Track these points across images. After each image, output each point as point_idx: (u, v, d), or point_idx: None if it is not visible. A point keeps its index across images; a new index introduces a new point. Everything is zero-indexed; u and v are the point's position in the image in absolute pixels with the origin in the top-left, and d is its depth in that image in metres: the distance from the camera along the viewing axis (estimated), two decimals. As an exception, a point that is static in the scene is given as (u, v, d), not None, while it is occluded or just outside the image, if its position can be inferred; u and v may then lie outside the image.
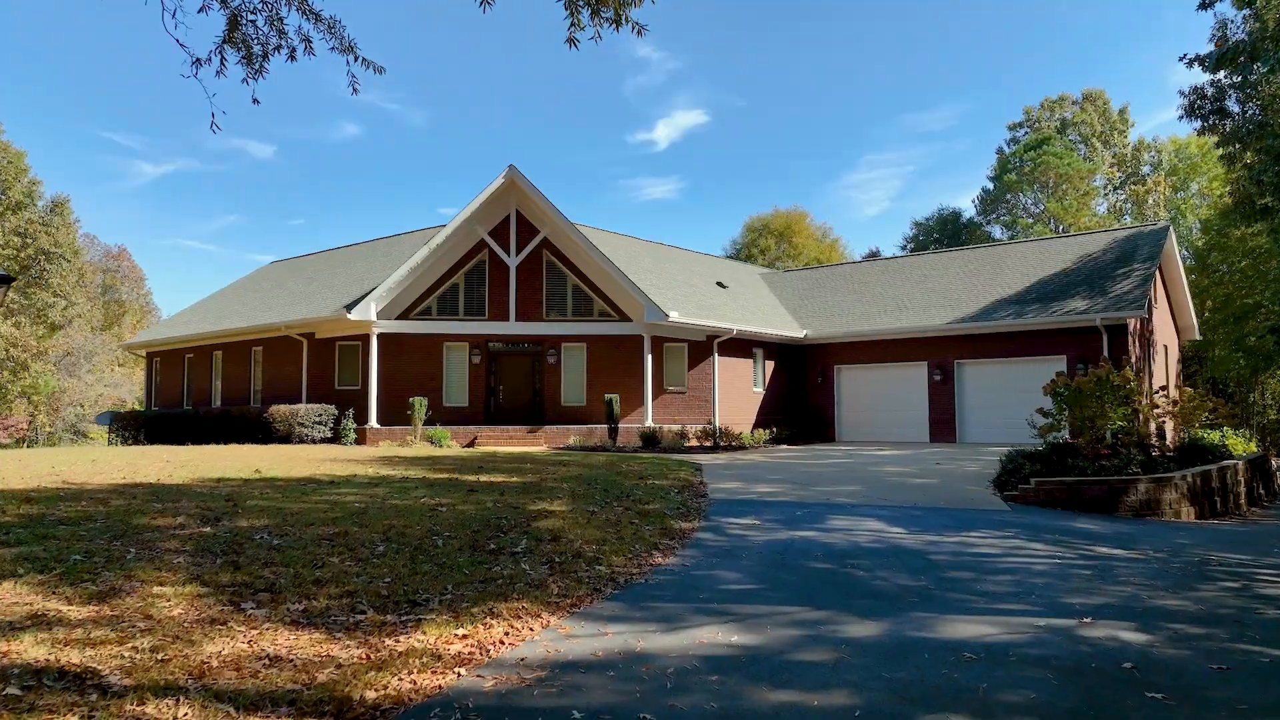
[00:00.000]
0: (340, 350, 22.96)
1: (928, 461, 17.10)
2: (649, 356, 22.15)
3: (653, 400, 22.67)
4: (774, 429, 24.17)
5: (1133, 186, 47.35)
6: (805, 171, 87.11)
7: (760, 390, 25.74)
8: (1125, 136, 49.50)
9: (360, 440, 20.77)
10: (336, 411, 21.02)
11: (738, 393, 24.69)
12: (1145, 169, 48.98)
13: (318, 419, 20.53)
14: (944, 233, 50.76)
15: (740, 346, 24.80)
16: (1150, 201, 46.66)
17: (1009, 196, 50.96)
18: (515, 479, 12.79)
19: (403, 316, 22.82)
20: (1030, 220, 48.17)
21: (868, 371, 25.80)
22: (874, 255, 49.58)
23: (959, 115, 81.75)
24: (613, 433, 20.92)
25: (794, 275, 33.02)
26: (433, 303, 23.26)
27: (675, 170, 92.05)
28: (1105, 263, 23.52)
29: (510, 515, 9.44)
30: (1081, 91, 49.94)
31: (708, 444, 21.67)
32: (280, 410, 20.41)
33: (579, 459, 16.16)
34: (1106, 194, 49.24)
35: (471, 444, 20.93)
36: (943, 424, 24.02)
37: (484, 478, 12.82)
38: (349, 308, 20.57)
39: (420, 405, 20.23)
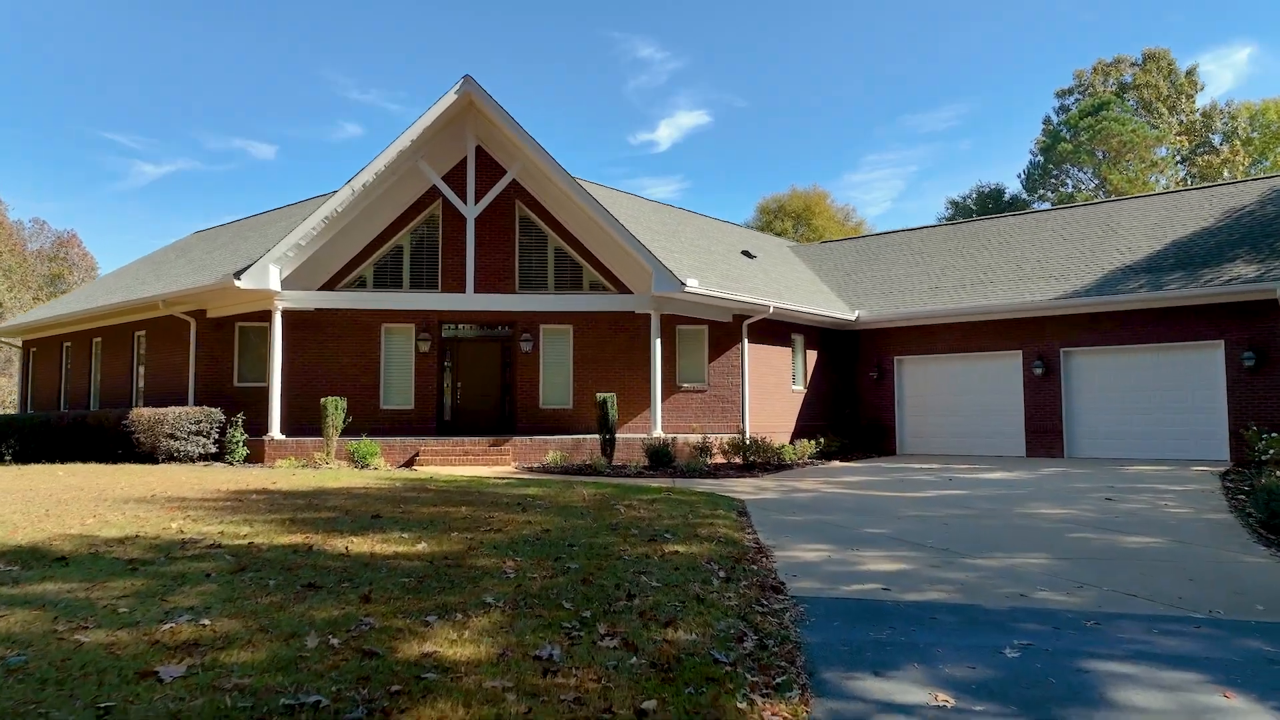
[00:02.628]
0: (241, 334, 17.15)
1: (1079, 493, 11.29)
2: (657, 342, 16.34)
3: (662, 401, 16.88)
4: (819, 439, 18.36)
5: (1205, 156, 41.44)
6: (808, 169, 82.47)
7: (800, 388, 19.91)
8: (1193, 102, 43.58)
9: (256, 457, 14.96)
10: (223, 418, 15.18)
11: (772, 391, 18.87)
12: (1216, 138, 43.09)
13: (195, 428, 14.69)
14: (985, 212, 44.89)
15: (775, 332, 18.98)
16: (1225, 175, 40.81)
17: (1056, 172, 45.13)
18: (423, 547, 6.98)
19: (327, 287, 17.01)
20: (1088, 194, 42.35)
21: (939, 364, 19.97)
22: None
23: (960, 115, 77.76)
24: (607, 446, 15.12)
25: (833, 247, 27.15)
26: (368, 270, 17.45)
27: (678, 170, 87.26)
28: (1267, 217, 17.68)
29: (330, 694, 3.68)
30: (1142, 51, 44.09)
31: (737, 461, 15.88)
32: (142, 416, 14.58)
33: (553, 493, 10.35)
34: (1168, 168, 43.30)
35: (411, 462, 15.11)
36: (1045, 433, 18.18)
37: (364, 545, 6.99)
38: (239, 274, 14.75)
39: (335, 408, 14.39)
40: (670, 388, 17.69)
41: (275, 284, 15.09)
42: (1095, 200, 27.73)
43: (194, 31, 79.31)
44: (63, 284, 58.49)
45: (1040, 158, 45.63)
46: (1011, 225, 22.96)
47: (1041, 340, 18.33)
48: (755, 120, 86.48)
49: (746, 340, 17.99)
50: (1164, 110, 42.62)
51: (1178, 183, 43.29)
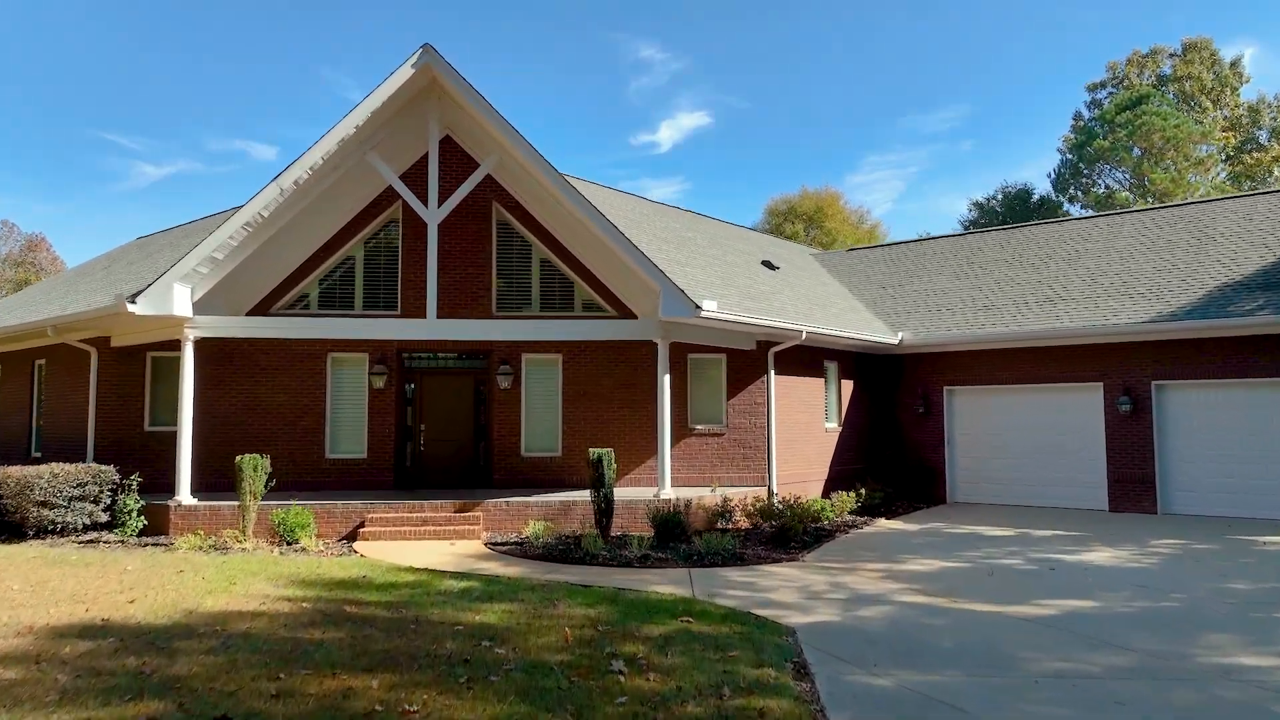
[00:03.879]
0: (154, 367, 14.04)
1: (1256, 607, 8.12)
2: (666, 378, 13.19)
3: (671, 447, 13.74)
4: (858, 487, 15.23)
5: (1254, 154, 38.29)
6: (809, 170, 79.80)
7: (834, 426, 16.77)
8: (1237, 95, 40.38)
9: (158, 527, 11.82)
10: (118, 478, 12.06)
11: (803, 431, 15.74)
12: (1262, 134, 39.92)
13: (77, 492, 11.56)
14: (1012, 215, 41.74)
15: (805, 360, 15.85)
16: (1276, 175, 37.69)
17: (1088, 171, 41.92)
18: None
19: (259, 310, 13.90)
20: (1127, 194, 39.22)
21: (997, 397, 16.83)
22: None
23: (962, 116, 75.69)
24: (603, 516, 11.96)
25: (864, 255, 23.95)
26: (311, 289, 14.35)
27: (680, 171, 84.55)
28: None
29: None
30: (1182, 41, 40.91)
31: (765, 527, 12.74)
32: (9, 478, 11.45)
33: (523, 624, 7.15)
34: (1213, 165, 40.04)
35: (354, 534, 11.96)
36: (1132, 483, 15.04)
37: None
38: (135, 297, 11.59)
39: (254, 470, 11.21)
40: (681, 430, 14.56)
41: (184, 308, 11.94)
42: (1184, 200, 23.78)
43: (194, 31, 77.18)
44: (30, 290, 55.36)
45: (1071, 156, 42.43)
46: (1078, 230, 19.80)
47: (1128, 371, 15.20)
48: (756, 121, 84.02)
49: (773, 372, 14.86)
50: (1208, 104, 39.46)
51: (1219, 183, 40.10)
